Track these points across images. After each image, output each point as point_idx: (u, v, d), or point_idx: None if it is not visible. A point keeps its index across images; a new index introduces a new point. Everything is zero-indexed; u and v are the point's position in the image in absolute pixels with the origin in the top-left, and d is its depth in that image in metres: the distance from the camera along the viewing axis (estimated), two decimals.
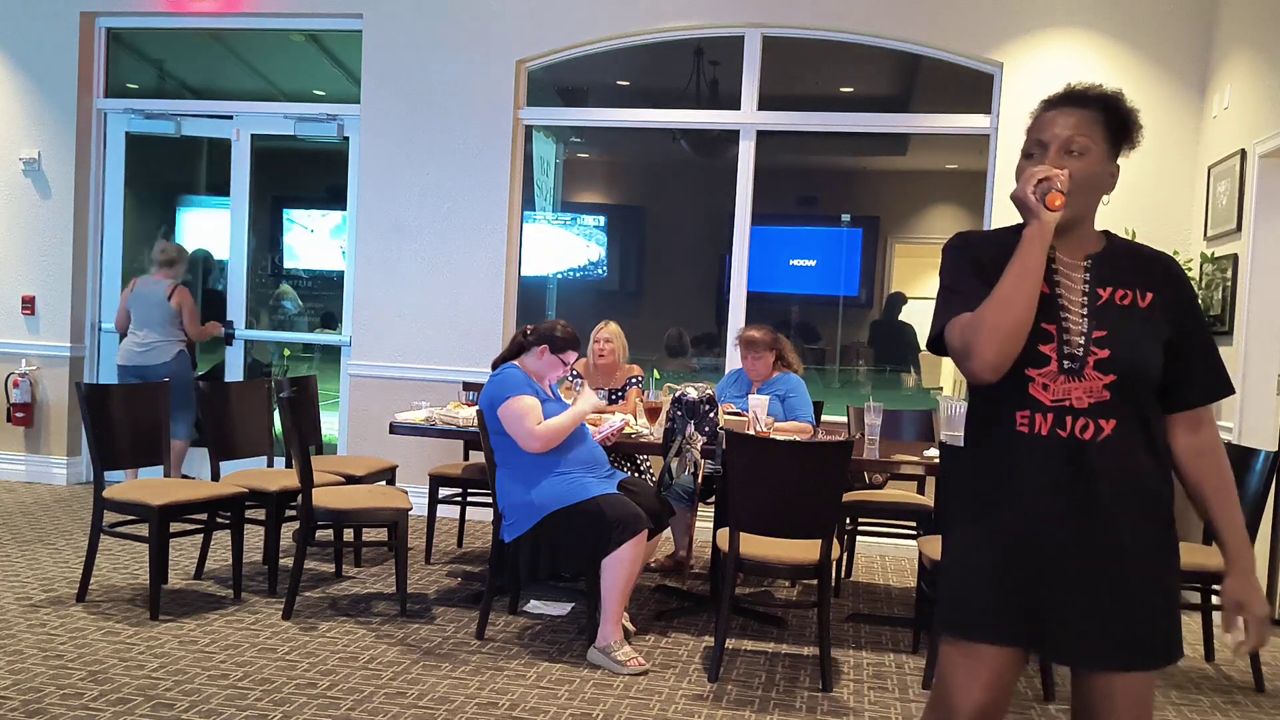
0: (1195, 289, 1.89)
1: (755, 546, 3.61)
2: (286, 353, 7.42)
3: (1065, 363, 1.77)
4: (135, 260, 6.74)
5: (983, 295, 1.77)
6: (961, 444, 1.96)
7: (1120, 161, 1.90)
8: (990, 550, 1.83)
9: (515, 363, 4.00)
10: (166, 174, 7.21)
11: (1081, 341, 1.78)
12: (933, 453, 4.12)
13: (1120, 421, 1.76)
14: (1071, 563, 1.77)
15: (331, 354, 6.75)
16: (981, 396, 1.86)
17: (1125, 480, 1.77)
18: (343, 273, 6.58)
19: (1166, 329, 1.80)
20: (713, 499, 4.64)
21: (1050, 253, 1.81)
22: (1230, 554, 1.82)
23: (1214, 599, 4.03)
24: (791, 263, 9.09)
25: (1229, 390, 1.86)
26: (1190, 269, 5.16)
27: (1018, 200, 1.79)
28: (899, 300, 8.75)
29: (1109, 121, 1.83)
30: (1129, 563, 1.77)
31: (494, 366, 4.05)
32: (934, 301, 1.90)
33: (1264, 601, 1.81)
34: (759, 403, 4.34)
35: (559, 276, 8.22)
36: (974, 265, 1.84)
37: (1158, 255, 1.89)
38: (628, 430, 4.30)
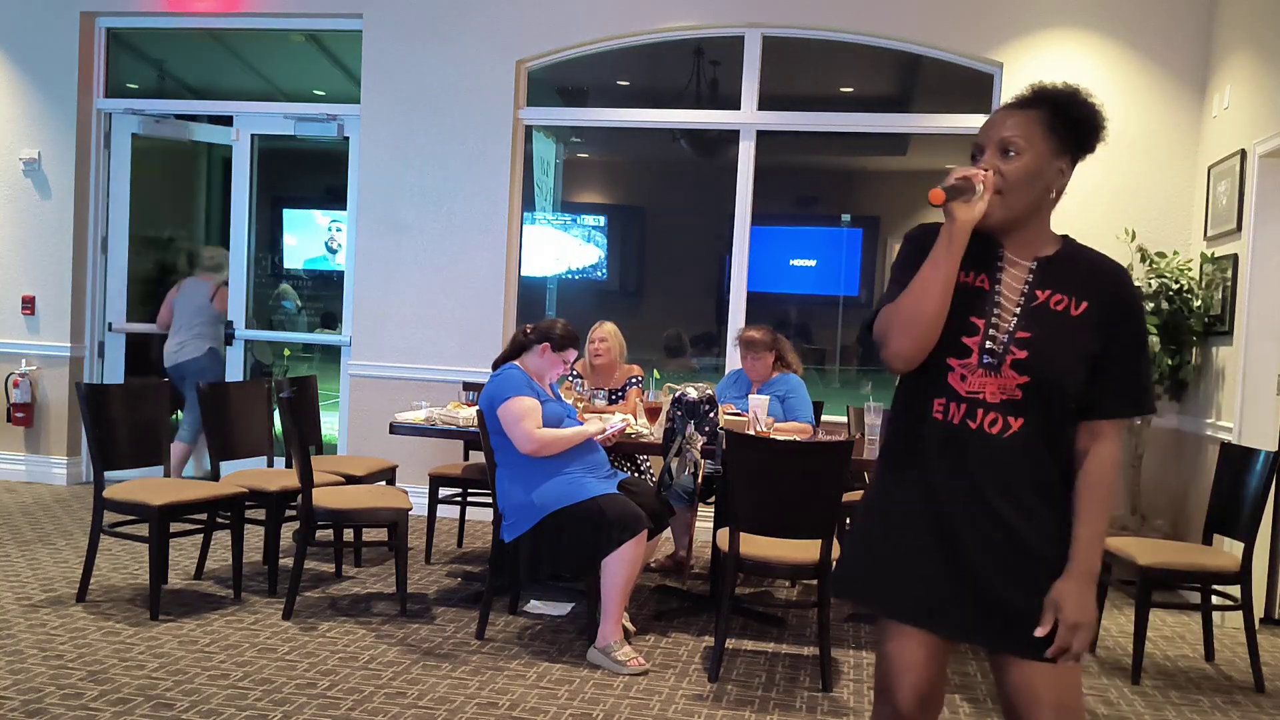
0: (1139, 303, 1.90)
1: (755, 546, 3.61)
2: (286, 353, 7.42)
3: (985, 357, 1.82)
4: (141, 262, 6.75)
5: None
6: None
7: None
8: (896, 524, 1.89)
9: (516, 363, 4.00)
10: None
11: (1005, 339, 1.82)
12: None
13: (1027, 420, 1.80)
14: (968, 547, 1.82)
15: (331, 354, 6.75)
16: (907, 381, 1.92)
17: (1026, 478, 1.81)
18: (343, 272, 6.59)
19: (1094, 341, 1.82)
20: (713, 499, 4.64)
21: (1000, 251, 1.87)
22: (1074, 559, 1.81)
23: (1214, 599, 4.03)
24: (791, 263, 9.09)
25: (1140, 411, 1.88)
26: (1190, 269, 5.16)
27: (934, 200, 1.82)
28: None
29: (1054, 121, 1.82)
30: (1022, 553, 1.81)
31: (494, 367, 4.05)
32: None
33: (1085, 611, 1.79)
34: (759, 403, 4.34)
35: (559, 276, 8.22)
36: (921, 255, 1.87)
37: (1110, 267, 1.89)
38: (628, 430, 4.30)
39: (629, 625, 3.92)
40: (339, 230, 7.15)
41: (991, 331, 1.82)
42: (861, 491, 4.86)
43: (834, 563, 3.70)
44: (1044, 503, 1.82)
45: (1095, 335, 1.82)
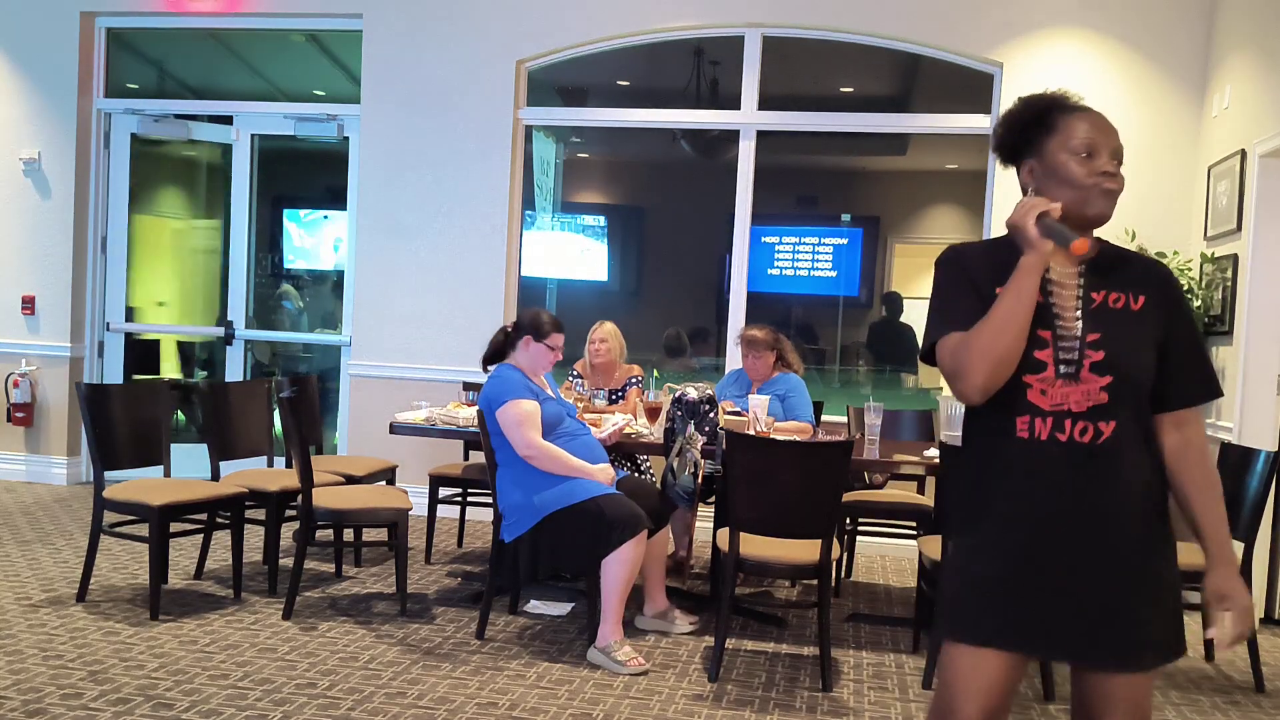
0: (1185, 292, 1.92)
1: (755, 546, 3.61)
2: (274, 353, 7.40)
3: (1061, 367, 1.79)
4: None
5: (973, 312, 1.80)
6: (959, 452, 1.98)
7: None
8: (993, 555, 1.84)
9: (510, 362, 4.00)
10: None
11: (1076, 345, 1.80)
12: (933, 453, 4.12)
13: (1118, 423, 1.78)
14: (1073, 564, 1.79)
15: (330, 354, 6.76)
16: (981, 405, 1.87)
17: (1125, 481, 1.79)
18: (343, 272, 6.59)
19: (1158, 330, 1.83)
20: (713, 499, 4.64)
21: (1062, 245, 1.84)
22: (1213, 549, 1.85)
23: None
24: (788, 264, 9.08)
25: (1216, 393, 1.89)
26: (1190, 269, 5.16)
27: (1015, 229, 1.80)
28: (896, 300, 8.74)
29: None
30: (1130, 563, 1.80)
31: (483, 366, 4.06)
32: (926, 314, 1.93)
33: (1246, 592, 1.84)
34: (759, 403, 4.34)
35: (559, 277, 8.22)
36: (965, 281, 1.87)
37: (1149, 260, 1.94)
38: (627, 430, 4.30)
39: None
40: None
41: (1061, 341, 1.80)
42: (861, 492, 4.86)
43: (832, 563, 3.70)
44: (1145, 502, 1.81)
45: (1158, 327, 1.83)
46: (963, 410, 1.90)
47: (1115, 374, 1.78)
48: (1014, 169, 1.93)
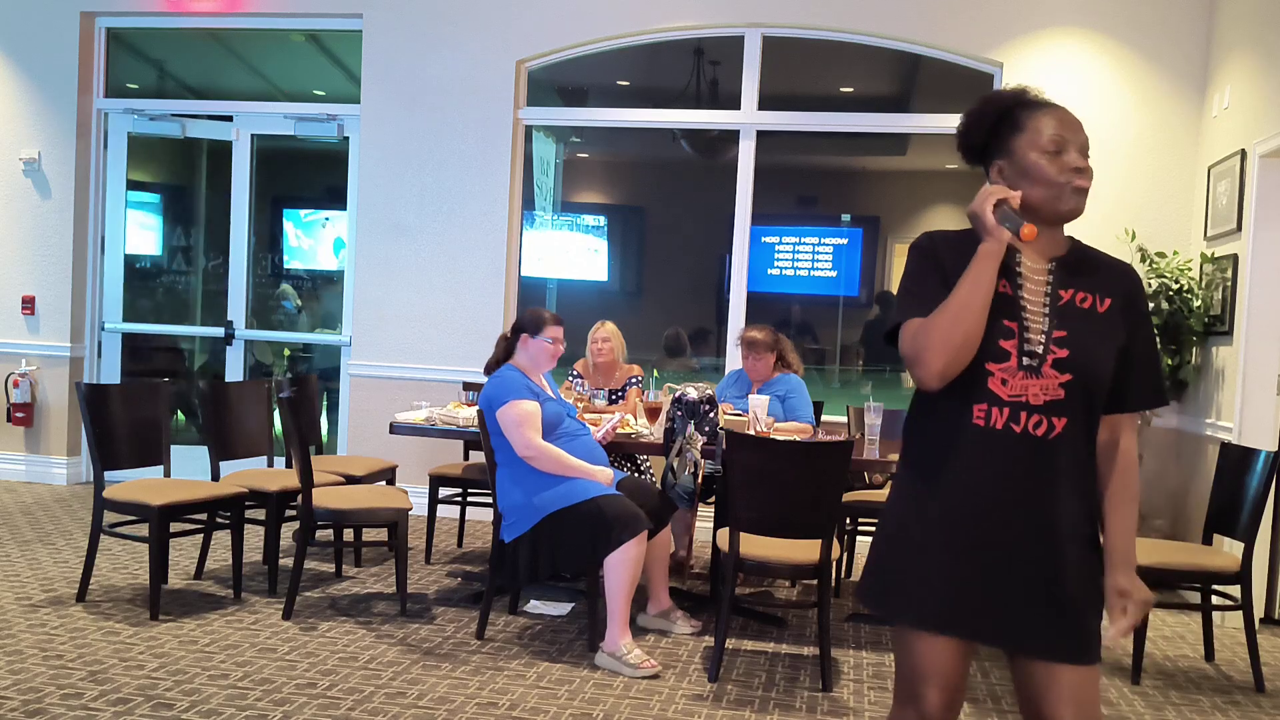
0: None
1: (755, 546, 3.61)
2: (286, 352, 7.42)
3: (1025, 359, 1.82)
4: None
5: (938, 298, 1.82)
6: (905, 430, 2.01)
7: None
8: (937, 536, 1.87)
9: (511, 362, 4.00)
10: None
11: (1042, 340, 1.83)
12: None
13: (1071, 420, 1.82)
14: (1014, 553, 1.83)
15: (330, 354, 6.76)
16: (940, 389, 1.90)
17: (1069, 478, 1.83)
18: (343, 273, 6.59)
19: (1120, 335, 1.86)
20: (713, 499, 4.64)
21: (1015, 255, 1.87)
22: (1114, 551, 1.89)
23: (1214, 599, 4.03)
24: (788, 264, 9.07)
25: (1160, 402, 1.94)
26: (1190, 269, 5.16)
27: (974, 217, 1.83)
28: (890, 301, 8.73)
29: None
30: (1066, 557, 1.83)
31: (486, 371, 4.06)
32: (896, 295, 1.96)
33: (1145, 589, 1.88)
34: (759, 403, 4.34)
35: (559, 277, 8.22)
36: (935, 268, 1.89)
37: (1118, 263, 1.95)
38: (627, 430, 4.30)
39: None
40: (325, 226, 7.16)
41: (1027, 334, 1.83)
42: (861, 492, 4.86)
43: (832, 563, 3.71)
44: (1081, 500, 1.85)
45: (1121, 331, 1.86)
46: (918, 389, 1.92)
47: (1075, 372, 1.81)
48: (983, 169, 1.95)
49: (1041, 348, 1.82)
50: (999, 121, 1.89)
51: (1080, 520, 1.84)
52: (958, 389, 1.84)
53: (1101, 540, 1.91)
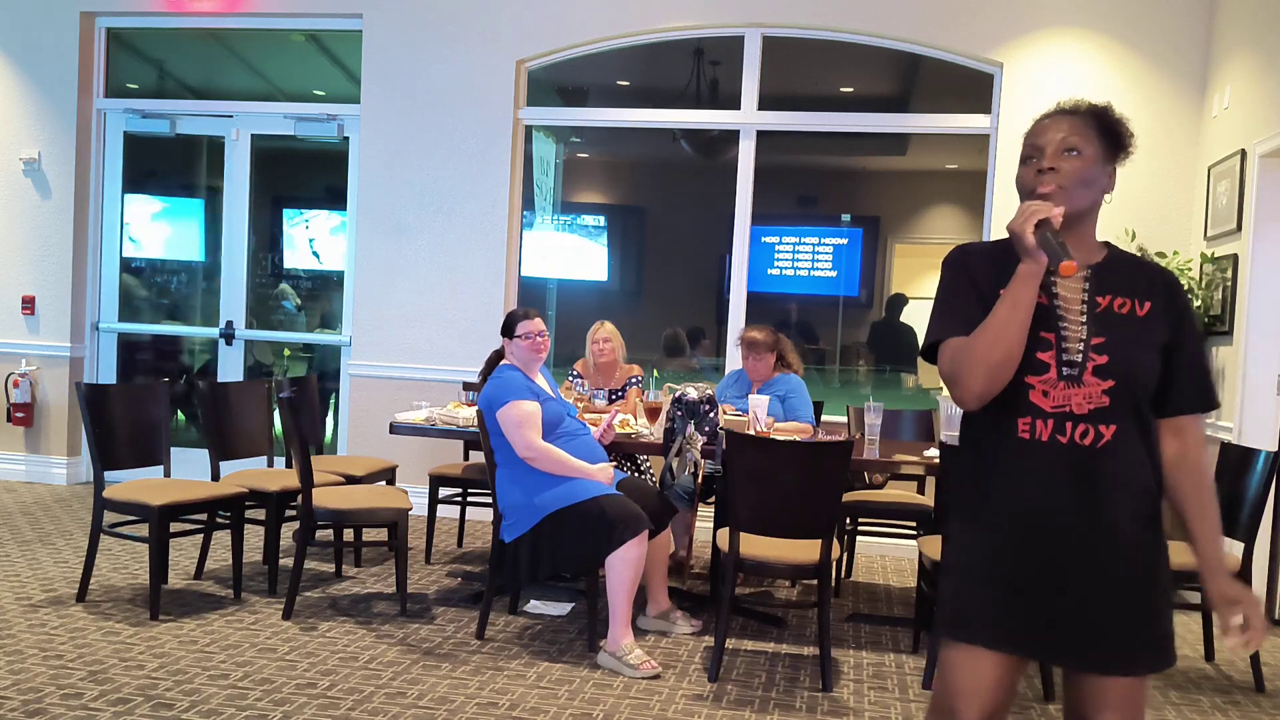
0: (1191, 292, 1.92)
1: (755, 546, 3.61)
2: (286, 353, 7.42)
3: (1064, 369, 1.80)
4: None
5: (974, 314, 1.81)
6: (957, 453, 1.99)
7: (1119, 163, 1.93)
8: (990, 554, 1.85)
9: (508, 361, 4.01)
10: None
11: (1080, 348, 1.81)
12: (933, 453, 4.12)
13: (1119, 427, 1.79)
14: (1070, 566, 1.80)
15: (330, 354, 6.76)
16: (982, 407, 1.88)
17: (1123, 485, 1.80)
18: (342, 273, 6.59)
19: (1163, 337, 1.84)
20: (713, 499, 4.64)
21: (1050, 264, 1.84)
22: (1207, 560, 1.86)
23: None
24: (788, 264, 9.06)
25: (1214, 404, 1.90)
26: (1190, 269, 5.16)
27: (1015, 235, 1.80)
28: (899, 302, 8.74)
29: (1100, 127, 1.87)
30: (1126, 567, 1.80)
31: (481, 377, 4.08)
32: (930, 312, 1.94)
33: (1250, 591, 1.86)
34: (759, 403, 4.34)
35: (559, 277, 8.21)
36: (970, 283, 1.88)
37: (1156, 267, 1.94)
38: (627, 430, 4.30)
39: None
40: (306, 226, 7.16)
41: (1065, 343, 1.81)
42: (861, 492, 4.86)
43: (832, 563, 3.70)
44: (1142, 507, 1.81)
45: (1163, 333, 1.84)
46: (961, 410, 1.90)
47: (1118, 378, 1.78)
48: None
49: (1080, 356, 1.80)
50: None
51: (1139, 527, 1.81)
52: (1000, 406, 1.82)
53: (1181, 547, 1.88)
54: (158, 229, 7.12)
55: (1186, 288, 5.05)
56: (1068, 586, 1.80)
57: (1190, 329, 1.88)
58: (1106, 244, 1.93)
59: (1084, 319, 1.83)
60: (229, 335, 6.59)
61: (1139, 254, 5.14)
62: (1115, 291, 1.86)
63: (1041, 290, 1.82)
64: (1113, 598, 1.79)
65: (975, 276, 1.88)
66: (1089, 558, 1.79)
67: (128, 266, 6.88)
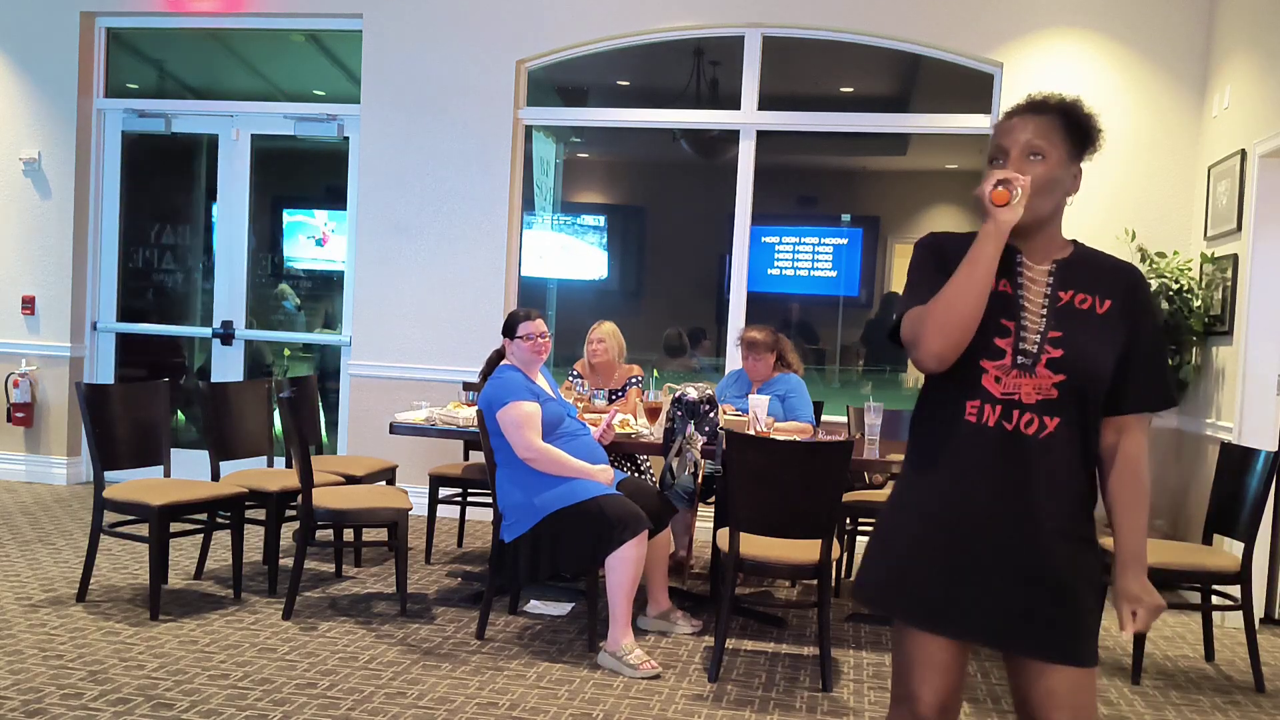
0: (1154, 299, 1.94)
1: (755, 546, 3.61)
2: (286, 353, 7.42)
3: (1019, 358, 1.83)
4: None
5: (939, 289, 1.84)
6: (909, 428, 2.02)
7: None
8: (924, 530, 1.89)
9: (508, 362, 4.01)
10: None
11: (1037, 339, 1.84)
12: None
13: (1063, 420, 1.82)
14: (1001, 551, 1.83)
15: (322, 354, 6.76)
16: (936, 381, 1.92)
17: (1059, 478, 1.83)
18: (342, 273, 6.59)
19: (1121, 337, 1.86)
20: (713, 499, 4.64)
21: (1017, 256, 1.89)
22: (1126, 554, 1.89)
23: (1214, 599, 4.03)
24: (789, 264, 9.06)
25: (1167, 404, 1.92)
26: (1190, 269, 5.16)
27: (977, 199, 1.84)
28: (894, 301, 8.74)
29: (1067, 126, 1.87)
30: (1053, 557, 1.83)
31: (482, 377, 4.09)
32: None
33: (1156, 595, 1.89)
34: (759, 403, 4.34)
35: (559, 277, 8.22)
36: (939, 262, 1.90)
37: (1121, 265, 1.96)
38: (627, 430, 4.30)
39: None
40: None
41: (1023, 333, 1.84)
42: (861, 492, 4.86)
43: (832, 563, 3.71)
44: (1074, 502, 1.85)
45: (1121, 332, 1.86)
46: (921, 376, 1.94)
47: (1069, 372, 1.81)
48: None
49: (1036, 347, 1.83)
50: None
51: (1072, 521, 1.84)
52: (953, 386, 1.85)
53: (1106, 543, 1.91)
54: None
55: (1186, 288, 5.06)
56: (996, 570, 1.83)
57: (1148, 328, 1.90)
58: (1073, 241, 1.95)
59: (1044, 312, 1.86)
60: (227, 335, 6.59)
61: (1138, 253, 5.18)
62: (1077, 287, 1.88)
63: (1007, 279, 1.86)
64: (1038, 585, 1.82)
65: (947, 259, 1.89)
66: (1017, 544, 1.83)
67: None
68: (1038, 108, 1.88)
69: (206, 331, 6.68)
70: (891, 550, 1.93)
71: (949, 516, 1.86)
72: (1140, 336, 1.88)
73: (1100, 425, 1.88)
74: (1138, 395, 1.89)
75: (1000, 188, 1.78)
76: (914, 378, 8.49)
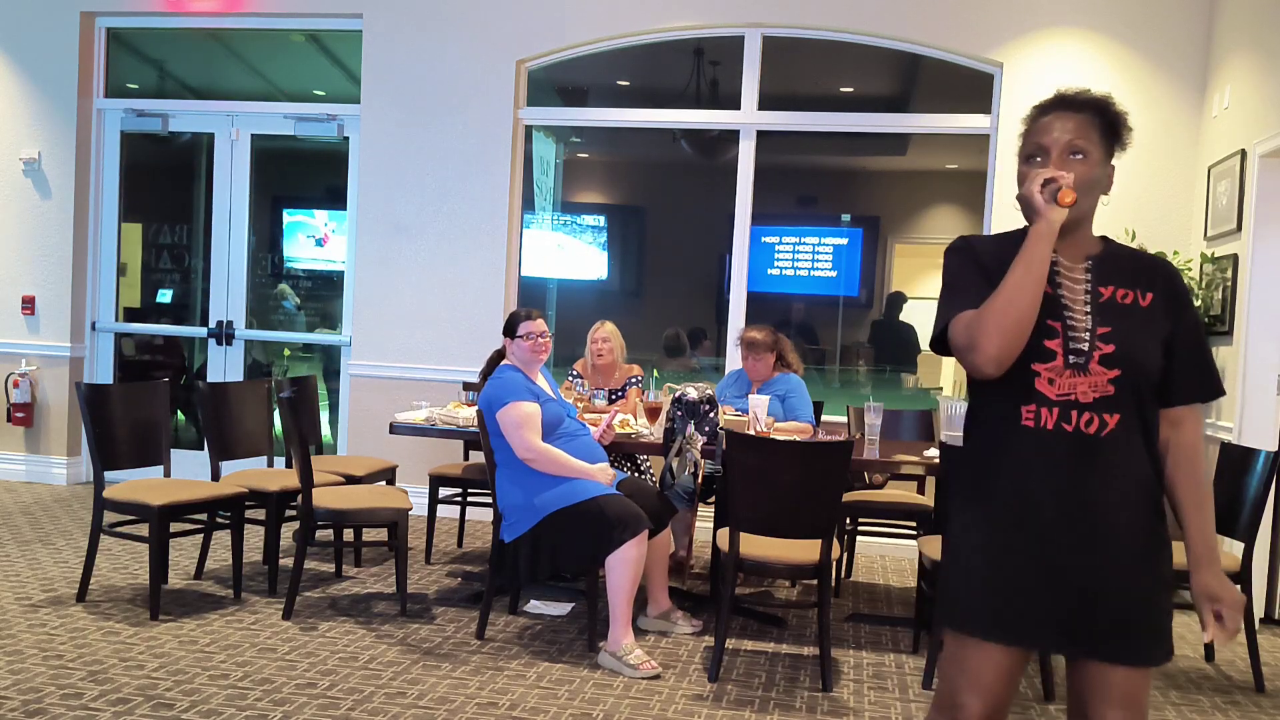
0: (1192, 292, 1.92)
1: (755, 546, 3.61)
2: (286, 353, 7.42)
3: (1071, 358, 1.81)
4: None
5: (985, 293, 1.81)
6: (961, 444, 1.99)
7: (1120, 162, 1.94)
8: (990, 542, 1.86)
9: (508, 362, 4.01)
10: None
11: (1086, 337, 1.81)
12: (933, 453, 4.12)
13: (1123, 416, 1.80)
14: (1070, 554, 1.80)
15: (324, 354, 6.76)
16: (986, 391, 1.88)
17: (1126, 475, 1.80)
18: (342, 273, 6.59)
19: (1165, 327, 1.85)
20: (713, 499, 4.64)
21: (1052, 255, 1.84)
22: (1199, 551, 1.86)
23: None
24: (789, 264, 9.06)
25: (1215, 394, 1.90)
26: (1190, 269, 5.16)
27: (1024, 200, 1.82)
28: (899, 300, 8.74)
29: (1102, 124, 1.87)
30: (1125, 556, 1.81)
31: (482, 377, 4.08)
32: (936, 303, 1.93)
33: (1235, 589, 1.85)
34: (759, 403, 4.34)
35: (559, 277, 8.22)
36: (976, 265, 1.88)
37: (1155, 259, 1.96)
38: (627, 430, 4.30)
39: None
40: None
41: (1071, 332, 1.82)
42: (861, 492, 4.86)
43: (832, 563, 3.70)
44: (1144, 498, 1.82)
45: (1165, 324, 1.85)
46: (963, 410, 1.90)
47: (1124, 367, 1.79)
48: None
49: (1087, 345, 1.81)
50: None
51: (1141, 518, 1.82)
52: (1006, 392, 1.83)
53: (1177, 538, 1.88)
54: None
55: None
56: (1065, 574, 1.80)
57: (1191, 319, 1.89)
58: (1104, 238, 1.94)
59: (1088, 309, 1.84)
60: (227, 335, 6.59)
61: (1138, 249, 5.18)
62: (1117, 283, 1.87)
63: (1046, 281, 1.82)
64: (1109, 586, 1.80)
65: (982, 260, 1.88)
66: (1088, 546, 1.80)
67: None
68: (1073, 104, 1.86)
69: (203, 332, 6.67)
70: (967, 567, 1.88)
71: (1017, 524, 1.82)
72: (1185, 328, 1.86)
73: (1158, 415, 1.86)
74: (1187, 386, 1.87)
75: (1056, 185, 1.77)
76: (914, 378, 8.50)
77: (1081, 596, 1.80)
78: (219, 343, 6.61)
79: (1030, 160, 1.87)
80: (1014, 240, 1.84)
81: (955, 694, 1.86)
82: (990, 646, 1.83)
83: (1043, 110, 1.88)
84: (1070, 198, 1.76)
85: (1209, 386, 1.89)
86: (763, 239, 8.34)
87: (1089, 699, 1.84)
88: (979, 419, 1.93)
